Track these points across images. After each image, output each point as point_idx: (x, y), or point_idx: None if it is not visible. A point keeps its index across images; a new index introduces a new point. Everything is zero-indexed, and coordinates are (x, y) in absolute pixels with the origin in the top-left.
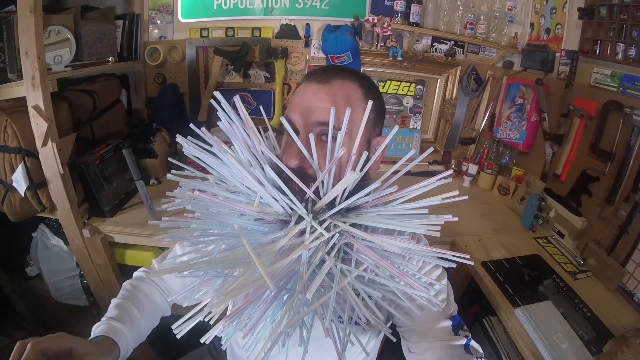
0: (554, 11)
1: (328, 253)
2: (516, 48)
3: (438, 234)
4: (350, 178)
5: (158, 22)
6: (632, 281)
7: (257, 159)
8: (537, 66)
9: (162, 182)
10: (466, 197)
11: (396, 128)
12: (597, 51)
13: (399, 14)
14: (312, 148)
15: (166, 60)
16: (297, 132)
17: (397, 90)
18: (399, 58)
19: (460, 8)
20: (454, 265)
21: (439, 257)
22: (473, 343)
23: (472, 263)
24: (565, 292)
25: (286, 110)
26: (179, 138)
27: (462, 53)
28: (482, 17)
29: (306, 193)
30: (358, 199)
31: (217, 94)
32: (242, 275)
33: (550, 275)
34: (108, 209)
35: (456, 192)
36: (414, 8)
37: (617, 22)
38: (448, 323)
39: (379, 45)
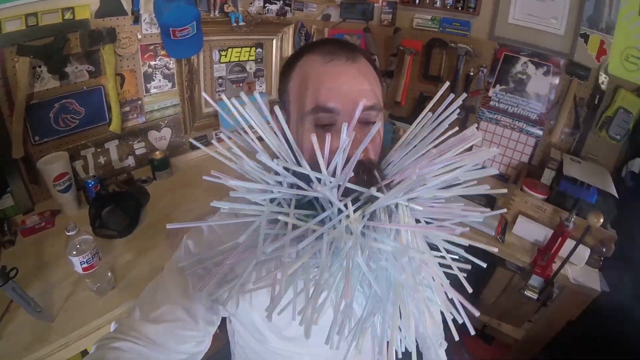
0: None
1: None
2: (334, 2)
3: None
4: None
5: None
6: None
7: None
8: (358, 16)
9: None
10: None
11: None
12: (418, 1)
13: None
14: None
15: None
16: (330, 121)
17: (239, 57)
18: (241, 23)
19: None
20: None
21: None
22: None
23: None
24: None
25: (313, 96)
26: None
27: (291, 11)
28: None
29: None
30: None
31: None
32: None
33: None
34: None
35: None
36: None
37: None
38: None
39: (216, 12)
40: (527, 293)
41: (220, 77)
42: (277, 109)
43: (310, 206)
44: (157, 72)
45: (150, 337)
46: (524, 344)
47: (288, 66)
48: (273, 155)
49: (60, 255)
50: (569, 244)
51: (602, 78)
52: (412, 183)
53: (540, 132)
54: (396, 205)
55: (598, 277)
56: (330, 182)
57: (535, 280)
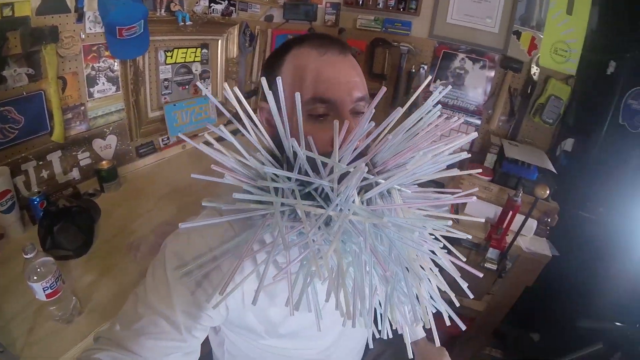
0: None
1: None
2: (277, 3)
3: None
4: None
5: None
6: None
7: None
8: (301, 17)
9: None
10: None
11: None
12: (361, 2)
13: None
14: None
15: None
16: (325, 112)
17: (185, 58)
18: (188, 22)
19: None
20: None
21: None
22: None
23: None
24: None
25: (310, 87)
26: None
27: (235, 12)
28: None
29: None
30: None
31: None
32: None
33: None
34: None
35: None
36: None
37: None
38: None
39: (162, 11)
40: (487, 265)
41: (166, 79)
42: (297, 95)
43: (309, 197)
44: (100, 75)
45: (133, 350)
46: (486, 315)
47: (275, 59)
48: (267, 149)
49: (12, 285)
50: (518, 218)
51: (534, 70)
52: (415, 168)
53: (479, 122)
54: (388, 191)
55: (547, 245)
56: (340, 169)
57: (492, 253)
